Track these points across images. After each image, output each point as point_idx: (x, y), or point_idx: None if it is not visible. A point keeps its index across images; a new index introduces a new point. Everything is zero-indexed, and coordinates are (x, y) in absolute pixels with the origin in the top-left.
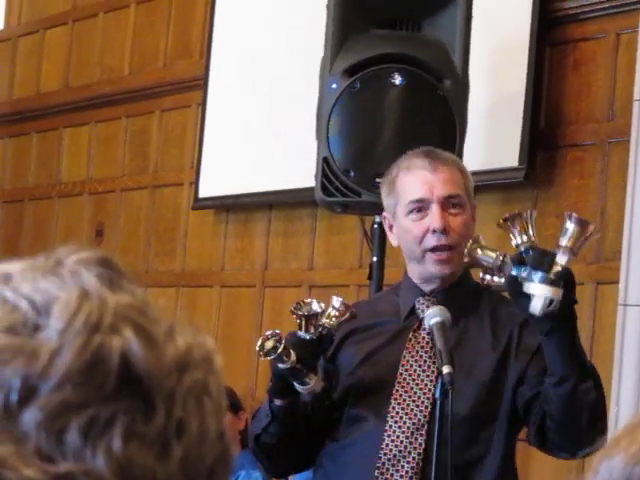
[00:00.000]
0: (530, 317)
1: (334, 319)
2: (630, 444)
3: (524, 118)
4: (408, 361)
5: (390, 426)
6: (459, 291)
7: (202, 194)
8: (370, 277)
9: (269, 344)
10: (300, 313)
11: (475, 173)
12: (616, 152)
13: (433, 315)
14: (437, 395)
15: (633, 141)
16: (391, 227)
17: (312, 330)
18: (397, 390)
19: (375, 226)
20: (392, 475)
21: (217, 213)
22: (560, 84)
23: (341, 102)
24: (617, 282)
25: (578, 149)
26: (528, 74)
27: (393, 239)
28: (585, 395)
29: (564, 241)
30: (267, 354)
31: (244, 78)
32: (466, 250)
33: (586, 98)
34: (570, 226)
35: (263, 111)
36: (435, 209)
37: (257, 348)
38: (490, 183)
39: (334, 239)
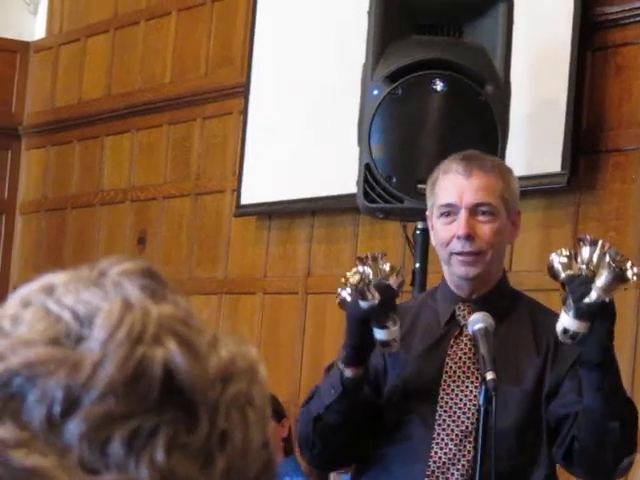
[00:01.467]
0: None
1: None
2: None
3: (566, 123)
4: (451, 367)
5: (438, 434)
6: (498, 297)
7: (244, 201)
8: (413, 283)
9: (355, 278)
10: (370, 263)
11: (518, 179)
12: None
13: (477, 321)
14: (481, 402)
15: None
16: (432, 226)
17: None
18: (442, 397)
19: (417, 232)
20: None
21: (259, 220)
22: (601, 89)
23: (383, 108)
24: None
25: (620, 154)
26: (570, 79)
27: (433, 239)
28: (610, 433)
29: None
30: (355, 285)
31: (285, 85)
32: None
33: (627, 103)
34: (585, 250)
35: (304, 118)
36: (462, 215)
37: (343, 281)
38: (533, 189)
39: (376, 245)
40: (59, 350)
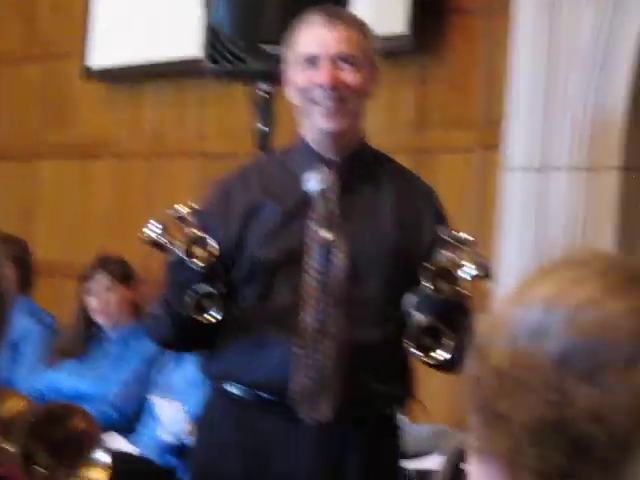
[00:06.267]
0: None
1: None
2: (544, 290)
3: None
4: (316, 231)
5: (306, 300)
6: (362, 159)
7: (92, 65)
8: (258, 145)
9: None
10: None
11: None
12: (502, 16)
13: (312, 178)
14: (318, 261)
15: (515, 3)
16: (288, 82)
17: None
18: (309, 264)
19: (262, 94)
20: (313, 349)
21: (107, 84)
22: None
23: None
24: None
25: (465, 13)
26: None
27: (290, 95)
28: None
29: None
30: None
31: None
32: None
33: None
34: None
35: None
36: (324, 65)
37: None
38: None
39: (224, 108)
40: None
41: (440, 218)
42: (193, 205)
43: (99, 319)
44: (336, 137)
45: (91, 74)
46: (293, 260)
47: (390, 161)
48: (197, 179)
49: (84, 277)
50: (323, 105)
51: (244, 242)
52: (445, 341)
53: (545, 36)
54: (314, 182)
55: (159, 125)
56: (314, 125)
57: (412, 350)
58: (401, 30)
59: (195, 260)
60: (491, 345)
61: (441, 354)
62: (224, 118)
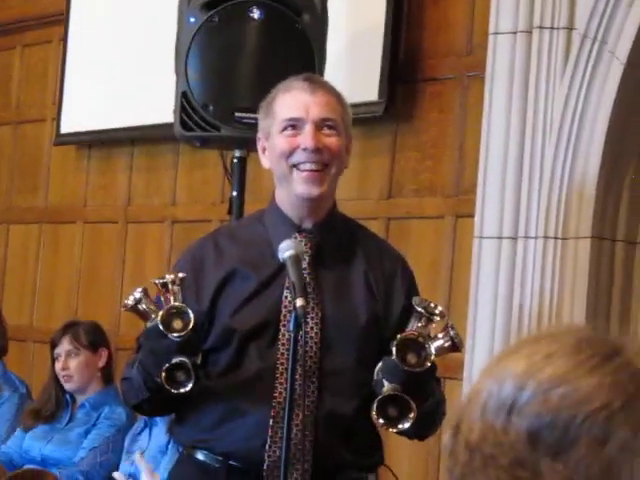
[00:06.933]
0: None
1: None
2: (516, 365)
3: (383, 52)
4: (290, 302)
5: (281, 373)
6: (333, 226)
7: (64, 130)
8: (230, 212)
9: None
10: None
11: None
12: (474, 86)
13: (287, 248)
14: (290, 329)
15: (488, 75)
16: (264, 149)
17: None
18: (283, 334)
19: (235, 160)
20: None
21: (79, 149)
22: (419, 18)
23: (199, 36)
24: (474, 215)
25: (437, 83)
26: (387, 8)
27: (265, 161)
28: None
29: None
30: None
31: (105, 13)
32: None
33: (444, 32)
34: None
35: (123, 46)
36: (308, 128)
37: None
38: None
39: (196, 174)
40: None
41: (410, 286)
42: (179, 275)
43: (65, 384)
44: (314, 203)
45: (62, 139)
46: (267, 329)
47: (360, 228)
48: (168, 245)
49: (52, 342)
50: (305, 169)
51: (217, 311)
52: (407, 412)
53: (518, 106)
54: (288, 250)
55: (130, 190)
56: (292, 191)
57: (377, 420)
58: (374, 97)
59: (173, 334)
60: (463, 419)
61: (402, 425)
62: (196, 184)
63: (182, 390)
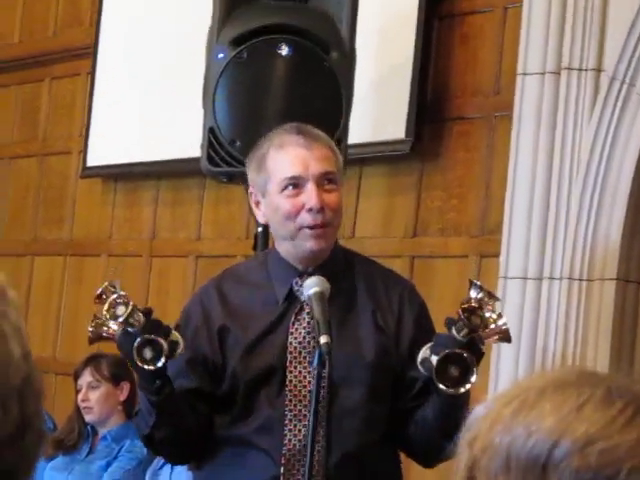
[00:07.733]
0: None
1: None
2: (546, 417)
3: (411, 91)
4: (295, 348)
5: (290, 420)
6: (333, 264)
7: (90, 163)
8: (255, 248)
9: (121, 309)
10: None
11: (362, 145)
12: (501, 126)
13: (312, 285)
14: (314, 364)
15: (516, 115)
16: (257, 204)
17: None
18: (290, 380)
19: None
20: (298, 470)
21: (105, 182)
22: (447, 57)
23: (228, 72)
24: (499, 255)
25: (464, 122)
26: (416, 47)
27: (260, 216)
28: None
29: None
30: (123, 316)
31: (133, 47)
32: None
33: (472, 72)
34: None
35: (152, 81)
36: (311, 187)
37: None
38: (377, 155)
39: (222, 209)
40: None
41: (419, 314)
42: (148, 309)
43: (85, 415)
44: (320, 254)
45: (89, 171)
46: (274, 375)
47: (361, 260)
48: (192, 280)
49: (75, 373)
50: (311, 228)
51: (225, 357)
52: (468, 374)
53: (545, 147)
54: (313, 287)
55: (155, 224)
56: (299, 247)
57: (440, 386)
58: (401, 135)
59: (145, 366)
60: (477, 474)
61: (464, 386)
62: (221, 219)
63: (151, 367)
